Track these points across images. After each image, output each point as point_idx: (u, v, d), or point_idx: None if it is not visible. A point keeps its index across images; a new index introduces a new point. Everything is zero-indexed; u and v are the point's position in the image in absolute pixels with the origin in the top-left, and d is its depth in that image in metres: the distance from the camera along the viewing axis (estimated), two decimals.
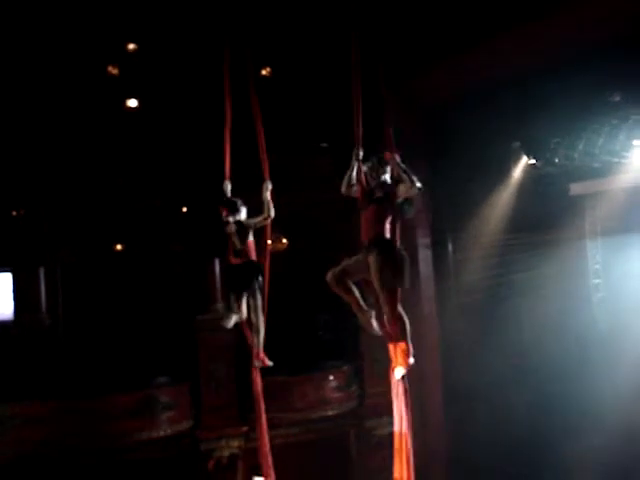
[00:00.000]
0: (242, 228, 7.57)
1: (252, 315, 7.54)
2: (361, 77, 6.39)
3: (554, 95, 11.24)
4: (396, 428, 6.16)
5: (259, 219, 7.70)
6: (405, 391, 6.14)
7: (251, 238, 7.58)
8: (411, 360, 6.10)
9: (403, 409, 6.12)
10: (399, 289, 6.08)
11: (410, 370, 6.19)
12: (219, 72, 7.94)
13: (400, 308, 6.14)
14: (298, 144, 14.02)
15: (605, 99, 11.22)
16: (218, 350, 12.65)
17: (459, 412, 13.68)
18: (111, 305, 13.68)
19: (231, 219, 7.62)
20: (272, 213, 7.61)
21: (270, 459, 7.53)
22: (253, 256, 7.53)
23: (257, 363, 7.60)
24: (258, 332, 7.34)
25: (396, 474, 6.15)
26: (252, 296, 7.38)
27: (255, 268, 7.42)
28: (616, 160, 11.90)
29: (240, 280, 7.39)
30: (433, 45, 11.71)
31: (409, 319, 6.19)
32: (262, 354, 7.54)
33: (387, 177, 6.30)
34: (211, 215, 12.23)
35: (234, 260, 7.49)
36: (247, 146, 7.88)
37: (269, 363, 7.60)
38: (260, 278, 7.39)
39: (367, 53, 6.53)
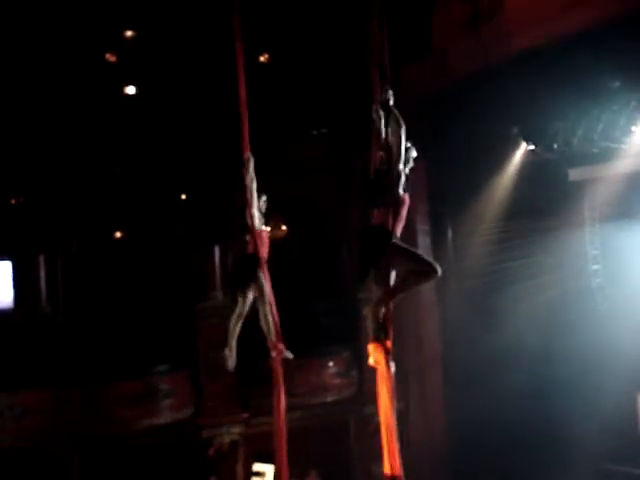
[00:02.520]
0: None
1: (260, 307, 7.49)
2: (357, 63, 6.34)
3: (553, 81, 11.21)
4: (383, 418, 6.15)
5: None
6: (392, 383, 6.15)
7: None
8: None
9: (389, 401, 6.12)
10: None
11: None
12: (217, 58, 7.90)
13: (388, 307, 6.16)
14: (296, 130, 14.01)
15: (605, 85, 11.19)
16: (218, 337, 12.63)
17: (458, 397, 13.73)
18: (111, 293, 13.69)
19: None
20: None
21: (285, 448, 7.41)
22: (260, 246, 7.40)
23: (274, 354, 7.41)
24: (268, 323, 7.25)
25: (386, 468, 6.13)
26: (257, 289, 7.29)
27: (254, 261, 7.32)
28: (615, 146, 11.89)
29: (241, 275, 7.33)
30: (430, 30, 11.71)
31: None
32: (280, 344, 7.39)
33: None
34: (211, 202, 12.31)
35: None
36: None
37: (288, 355, 7.44)
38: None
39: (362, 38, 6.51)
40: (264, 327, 7.31)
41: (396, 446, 6.09)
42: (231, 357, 7.28)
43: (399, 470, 6.05)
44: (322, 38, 12.97)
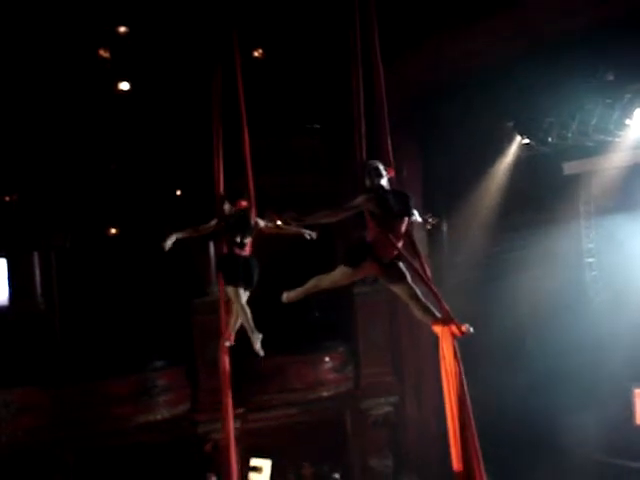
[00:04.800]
0: (245, 222, 7.58)
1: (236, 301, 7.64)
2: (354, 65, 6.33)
3: (548, 75, 11.23)
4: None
5: (269, 224, 7.88)
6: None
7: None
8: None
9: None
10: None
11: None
12: (210, 54, 7.88)
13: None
14: (290, 125, 14.00)
15: (598, 78, 11.20)
16: (214, 333, 12.64)
17: None
18: (106, 289, 13.66)
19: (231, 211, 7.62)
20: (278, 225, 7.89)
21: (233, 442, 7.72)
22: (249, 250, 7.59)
23: (228, 343, 7.78)
24: (245, 316, 7.37)
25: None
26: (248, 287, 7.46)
27: (257, 263, 7.51)
28: (610, 139, 11.90)
29: (245, 273, 7.42)
30: (425, 26, 11.68)
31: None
32: (232, 335, 7.77)
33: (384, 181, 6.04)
34: (205, 198, 12.28)
35: (238, 251, 7.49)
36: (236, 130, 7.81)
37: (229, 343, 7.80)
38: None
39: (359, 37, 6.48)
40: (232, 319, 7.65)
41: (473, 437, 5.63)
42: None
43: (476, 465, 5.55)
44: (315, 33, 12.96)
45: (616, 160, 12.23)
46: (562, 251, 13.15)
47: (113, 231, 14.39)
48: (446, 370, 5.86)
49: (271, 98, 13.12)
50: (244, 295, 7.42)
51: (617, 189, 12.60)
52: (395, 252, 6.01)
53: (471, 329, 5.88)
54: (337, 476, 13.55)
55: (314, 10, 12.45)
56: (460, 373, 5.85)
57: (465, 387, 5.80)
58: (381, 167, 6.06)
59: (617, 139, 11.87)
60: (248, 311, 7.39)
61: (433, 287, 6.01)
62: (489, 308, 13.26)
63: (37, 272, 13.35)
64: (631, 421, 12.36)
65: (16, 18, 12.06)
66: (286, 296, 6.76)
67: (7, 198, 13.28)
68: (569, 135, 11.97)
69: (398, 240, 6.02)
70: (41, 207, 13.18)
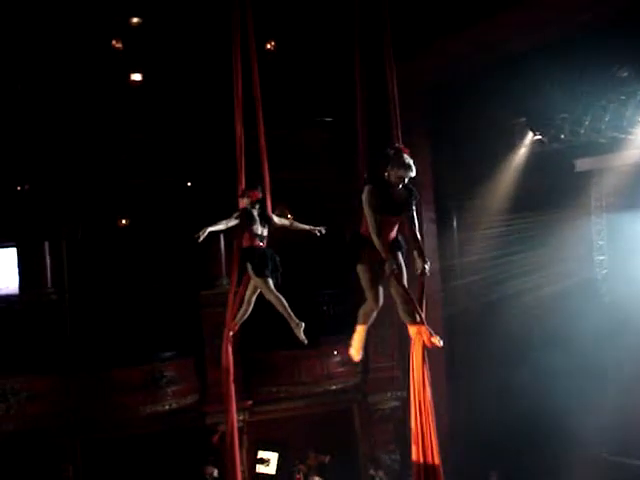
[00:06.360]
0: (264, 215, 7.62)
1: (249, 292, 7.67)
2: (365, 57, 6.35)
3: (560, 70, 11.17)
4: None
5: (284, 221, 7.99)
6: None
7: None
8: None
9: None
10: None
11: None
12: (223, 45, 7.87)
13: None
14: (301, 118, 13.97)
15: (612, 75, 11.14)
16: (222, 325, 12.69)
17: (461, 388, 13.74)
18: (116, 280, 13.70)
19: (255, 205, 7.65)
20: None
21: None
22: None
23: (232, 333, 7.83)
24: (282, 305, 7.40)
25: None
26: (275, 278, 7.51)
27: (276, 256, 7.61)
28: (622, 136, 11.82)
29: (269, 265, 7.46)
30: (438, 20, 11.63)
31: (413, 291, 6.21)
32: (237, 325, 7.85)
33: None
34: (216, 190, 12.29)
35: (258, 243, 7.54)
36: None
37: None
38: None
39: (370, 29, 6.49)
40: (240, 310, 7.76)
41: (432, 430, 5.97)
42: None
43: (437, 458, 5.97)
44: (326, 26, 12.93)
45: (629, 158, 12.14)
46: (573, 249, 13.09)
47: (124, 222, 14.43)
48: (412, 376, 5.98)
49: (283, 91, 13.10)
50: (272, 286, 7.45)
51: (629, 187, 12.51)
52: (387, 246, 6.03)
53: (441, 342, 5.98)
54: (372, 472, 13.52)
55: (326, 1, 12.44)
56: (424, 380, 6.04)
57: (429, 391, 6.05)
58: (406, 157, 6.03)
59: (630, 136, 11.79)
60: (284, 300, 7.39)
61: (423, 291, 6.14)
62: (498, 305, 13.26)
63: (48, 262, 13.39)
64: (639, 420, 12.32)
65: (29, 9, 12.08)
66: (354, 352, 6.97)
67: (19, 188, 13.32)
68: (582, 132, 11.90)
69: (388, 235, 6.05)
70: (52, 197, 13.21)
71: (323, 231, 7.81)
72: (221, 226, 7.48)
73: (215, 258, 13.24)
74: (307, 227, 7.89)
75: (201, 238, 7.12)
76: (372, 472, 13.52)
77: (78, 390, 12.11)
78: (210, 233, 7.20)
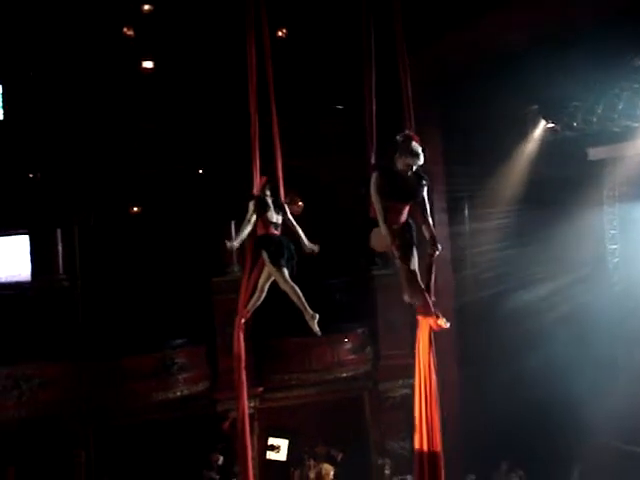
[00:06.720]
0: (278, 202, 7.59)
1: (262, 280, 7.65)
2: (376, 46, 6.35)
3: (573, 58, 11.09)
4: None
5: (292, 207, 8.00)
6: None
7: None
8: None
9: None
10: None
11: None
12: (235, 32, 7.86)
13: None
14: (314, 106, 13.95)
15: (626, 63, 11.06)
16: (234, 312, 12.72)
17: (473, 379, 13.73)
18: (128, 267, 13.75)
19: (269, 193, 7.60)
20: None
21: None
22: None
23: (243, 320, 7.74)
24: (297, 295, 7.35)
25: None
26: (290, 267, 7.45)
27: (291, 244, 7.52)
28: (636, 125, 11.75)
29: (288, 254, 7.43)
30: (450, 8, 11.57)
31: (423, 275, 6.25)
32: (249, 313, 7.77)
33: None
34: (228, 176, 12.31)
35: (273, 231, 7.51)
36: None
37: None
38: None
39: (383, 19, 6.48)
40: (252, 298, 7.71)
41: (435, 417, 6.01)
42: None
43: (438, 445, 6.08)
44: (339, 13, 12.87)
45: None
46: (585, 237, 13.05)
47: (135, 209, 14.47)
48: (418, 359, 6.01)
49: (296, 79, 13.08)
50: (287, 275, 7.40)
51: None
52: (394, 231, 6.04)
53: (447, 324, 6.06)
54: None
55: None
56: (430, 364, 6.00)
57: (434, 377, 6.15)
58: (415, 145, 6.01)
59: None
60: (299, 291, 7.28)
61: (432, 275, 6.24)
62: (510, 295, 13.23)
63: (60, 249, 13.45)
64: None
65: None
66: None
67: (31, 175, 13.38)
68: (594, 120, 11.84)
69: (396, 220, 6.04)
70: (64, 185, 13.26)
71: (316, 250, 7.57)
72: (248, 228, 7.47)
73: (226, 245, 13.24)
74: (303, 237, 7.64)
75: (234, 246, 7.17)
76: (381, 461, 13.55)
77: (90, 377, 12.16)
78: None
